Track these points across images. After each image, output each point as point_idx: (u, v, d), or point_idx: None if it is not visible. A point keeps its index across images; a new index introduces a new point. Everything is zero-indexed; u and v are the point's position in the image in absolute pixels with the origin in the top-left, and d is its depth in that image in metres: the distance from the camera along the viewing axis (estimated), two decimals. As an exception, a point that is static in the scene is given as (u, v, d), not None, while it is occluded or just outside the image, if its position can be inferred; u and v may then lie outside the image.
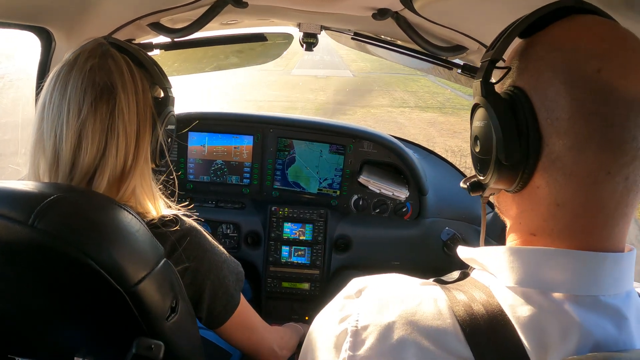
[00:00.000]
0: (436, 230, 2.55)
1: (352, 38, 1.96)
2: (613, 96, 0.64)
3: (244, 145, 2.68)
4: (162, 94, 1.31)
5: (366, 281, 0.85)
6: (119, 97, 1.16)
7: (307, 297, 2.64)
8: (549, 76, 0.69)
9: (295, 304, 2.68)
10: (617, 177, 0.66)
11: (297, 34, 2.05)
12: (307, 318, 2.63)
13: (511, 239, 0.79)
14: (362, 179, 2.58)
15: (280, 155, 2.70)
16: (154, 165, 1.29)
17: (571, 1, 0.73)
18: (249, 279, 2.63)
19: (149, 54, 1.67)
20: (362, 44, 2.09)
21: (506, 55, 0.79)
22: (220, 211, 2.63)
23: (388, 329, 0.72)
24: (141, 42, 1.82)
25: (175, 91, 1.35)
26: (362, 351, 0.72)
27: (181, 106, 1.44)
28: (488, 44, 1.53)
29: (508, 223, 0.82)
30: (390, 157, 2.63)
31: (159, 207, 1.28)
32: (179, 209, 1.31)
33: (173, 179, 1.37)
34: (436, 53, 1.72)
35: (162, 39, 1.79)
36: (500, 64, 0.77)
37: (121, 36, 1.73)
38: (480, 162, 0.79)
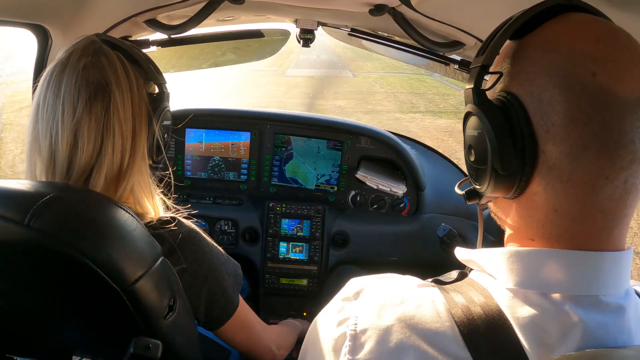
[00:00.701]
0: (433, 226, 2.55)
1: (349, 34, 1.95)
2: (609, 100, 0.63)
3: (241, 142, 2.68)
4: (156, 90, 1.30)
5: (364, 282, 0.84)
6: (113, 94, 1.15)
7: (305, 293, 2.64)
8: (543, 80, 0.67)
9: (294, 299, 2.68)
10: (616, 181, 0.65)
11: (294, 30, 2.05)
12: (305, 314, 2.63)
13: (509, 244, 0.79)
14: (360, 174, 2.58)
15: (277, 152, 2.70)
16: (151, 162, 1.29)
17: None
18: (246, 276, 2.63)
19: (146, 51, 1.67)
20: (359, 40, 2.09)
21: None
22: (217, 207, 2.63)
23: (387, 333, 0.72)
24: (138, 39, 1.82)
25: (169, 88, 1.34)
26: (361, 355, 0.72)
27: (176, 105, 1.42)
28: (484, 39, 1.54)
29: (506, 229, 0.81)
30: (387, 153, 2.63)
31: (157, 206, 1.27)
32: (177, 209, 1.31)
33: (169, 175, 1.36)
34: (433, 49, 1.72)
35: (159, 35, 1.78)
36: (492, 67, 0.75)
37: (118, 33, 1.72)
38: (476, 172, 0.77)
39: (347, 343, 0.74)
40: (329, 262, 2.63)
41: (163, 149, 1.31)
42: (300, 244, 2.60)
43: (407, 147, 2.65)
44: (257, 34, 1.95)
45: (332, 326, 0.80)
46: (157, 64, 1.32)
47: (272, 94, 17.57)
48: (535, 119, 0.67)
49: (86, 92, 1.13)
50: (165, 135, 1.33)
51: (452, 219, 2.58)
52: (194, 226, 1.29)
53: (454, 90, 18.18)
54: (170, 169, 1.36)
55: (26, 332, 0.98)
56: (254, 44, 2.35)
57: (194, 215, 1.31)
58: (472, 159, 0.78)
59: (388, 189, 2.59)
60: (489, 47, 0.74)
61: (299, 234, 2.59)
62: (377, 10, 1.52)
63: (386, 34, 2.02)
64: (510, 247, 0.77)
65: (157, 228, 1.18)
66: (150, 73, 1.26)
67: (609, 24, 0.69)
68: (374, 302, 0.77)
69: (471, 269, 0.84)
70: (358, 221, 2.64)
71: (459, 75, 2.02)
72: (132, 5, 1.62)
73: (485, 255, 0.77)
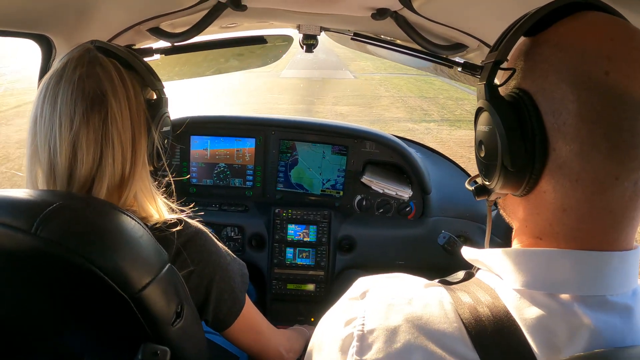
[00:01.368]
0: (440, 229, 2.54)
1: (352, 38, 1.96)
2: (622, 100, 0.62)
3: (246, 148, 2.69)
4: (154, 96, 1.30)
5: (371, 282, 0.85)
6: (110, 105, 1.14)
7: (313, 298, 2.64)
8: (556, 78, 0.66)
9: (301, 305, 2.67)
10: (626, 182, 0.64)
11: (297, 36, 2.06)
12: (312, 319, 2.63)
13: (517, 242, 0.79)
14: (365, 179, 2.58)
15: (282, 157, 2.70)
16: (151, 168, 1.29)
17: None
18: (253, 282, 2.63)
19: (150, 59, 1.67)
20: (362, 44, 2.09)
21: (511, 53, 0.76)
22: (223, 214, 2.63)
23: (394, 333, 0.72)
24: (141, 47, 1.83)
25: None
26: (368, 355, 0.72)
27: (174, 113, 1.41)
28: (488, 41, 1.54)
29: (514, 226, 0.81)
30: (392, 157, 2.63)
31: (161, 209, 1.27)
32: (182, 210, 1.31)
33: (175, 181, 1.36)
34: (436, 52, 1.72)
35: (162, 43, 1.79)
36: (504, 64, 0.75)
37: (121, 42, 1.73)
38: (486, 168, 0.77)
39: (355, 343, 0.74)
40: (336, 267, 2.63)
41: (163, 155, 1.30)
42: (306, 249, 2.59)
43: (412, 151, 2.65)
44: (260, 40, 1.96)
45: (339, 326, 0.79)
46: (161, 72, 1.32)
47: (264, 100, 16.36)
48: (547, 117, 0.67)
49: (82, 104, 1.12)
50: (166, 141, 1.32)
51: (458, 222, 2.58)
52: (200, 226, 1.29)
53: (467, 94, 17.06)
54: (170, 174, 1.35)
55: (34, 340, 0.99)
56: (257, 50, 2.35)
57: (199, 223, 1.31)
58: (482, 154, 0.78)
59: (394, 193, 2.59)
60: (503, 43, 0.73)
61: (305, 239, 2.59)
62: (380, 14, 1.52)
63: (389, 38, 2.02)
64: (516, 247, 0.77)
65: (163, 230, 1.19)
66: (147, 79, 1.25)
67: (625, 23, 0.68)
68: (381, 302, 0.77)
69: (478, 269, 0.83)
70: (364, 226, 2.64)
71: (463, 78, 2.03)
72: (135, 13, 1.63)
73: (491, 255, 0.77)
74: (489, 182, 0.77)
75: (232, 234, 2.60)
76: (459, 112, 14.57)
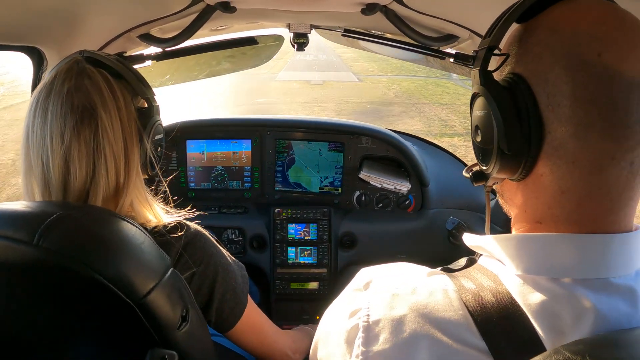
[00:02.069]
0: (440, 221, 2.55)
1: (343, 35, 1.95)
2: (615, 80, 0.63)
3: (242, 150, 2.69)
4: (145, 104, 1.29)
5: (373, 272, 0.85)
6: (100, 117, 1.13)
7: (317, 296, 2.64)
8: (549, 61, 0.67)
9: (306, 304, 2.67)
10: (622, 162, 0.65)
11: (288, 35, 2.05)
12: (318, 317, 2.62)
13: (517, 228, 0.79)
14: (363, 174, 2.58)
15: (279, 157, 2.70)
16: (146, 176, 1.29)
17: None
18: (257, 283, 2.64)
19: (141, 65, 1.67)
20: (354, 40, 2.09)
21: (503, 41, 0.77)
22: (223, 217, 2.63)
23: (400, 323, 0.72)
24: (132, 54, 1.82)
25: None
26: (375, 346, 0.72)
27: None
28: (479, 31, 1.54)
29: (512, 212, 0.81)
30: (389, 151, 2.63)
31: (159, 214, 1.27)
32: (179, 213, 1.31)
33: (173, 186, 1.36)
34: (427, 44, 1.72)
35: (153, 49, 1.79)
36: (497, 50, 0.75)
37: (112, 50, 1.73)
38: (482, 152, 0.78)
39: (360, 335, 0.74)
40: (339, 264, 2.63)
41: (156, 164, 1.30)
42: (308, 247, 2.59)
43: (408, 144, 2.65)
44: (251, 41, 1.95)
45: (343, 318, 0.80)
46: (153, 78, 1.31)
47: (253, 109, 14.88)
48: (541, 99, 0.68)
49: (72, 118, 1.11)
50: (159, 148, 1.32)
51: (458, 212, 2.58)
52: (199, 228, 1.29)
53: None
54: (164, 181, 1.35)
55: (41, 351, 0.98)
56: (248, 51, 2.35)
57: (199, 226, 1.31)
58: (479, 139, 0.78)
59: (392, 187, 2.59)
60: (496, 28, 0.74)
61: (306, 238, 2.59)
62: (369, 9, 1.52)
63: (380, 32, 2.02)
64: (517, 233, 0.77)
65: (163, 235, 1.19)
66: (138, 87, 1.24)
67: (615, 7, 0.69)
68: (385, 292, 0.77)
69: (480, 255, 0.83)
70: (364, 221, 2.64)
71: (458, 70, 2.03)
72: (123, 21, 1.63)
73: (493, 241, 0.77)
74: (485, 166, 0.78)
75: (233, 236, 2.61)
76: (484, 123, 13.27)
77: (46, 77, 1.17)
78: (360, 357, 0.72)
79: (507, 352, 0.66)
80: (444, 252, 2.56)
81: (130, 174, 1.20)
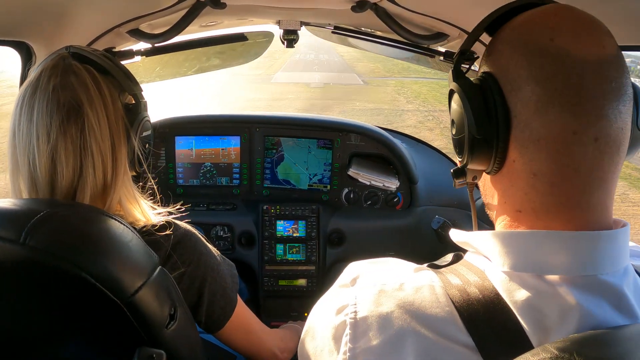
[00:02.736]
0: (429, 219, 2.56)
1: (333, 32, 1.96)
2: (568, 59, 0.67)
3: (231, 146, 2.68)
4: (133, 100, 1.26)
5: (360, 268, 0.86)
6: (86, 115, 1.12)
7: (305, 293, 2.64)
8: (508, 52, 0.73)
9: (294, 301, 2.68)
10: (584, 137, 0.67)
11: (278, 32, 2.05)
12: (306, 314, 2.63)
13: (500, 221, 0.80)
14: (352, 171, 2.59)
15: (268, 154, 2.70)
16: (134, 173, 1.28)
17: None
18: (245, 280, 2.64)
19: (131, 61, 1.66)
20: (344, 37, 2.09)
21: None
22: (212, 213, 2.62)
23: (387, 320, 0.72)
24: (121, 49, 1.81)
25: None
26: (362, 343, 0.72)
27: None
28: (468, 29, 1.54)
29: (495, 209, 0.82)
30: (378, 149, 2.64)
31: (147, 213, 1.26)
32: (168, 212, 1.30)
33: (162, 182, 1.35)
34: (417, 42, 1.72)
35: (143, 45, 1.78)
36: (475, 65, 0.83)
37: (101, 45, 1.72)
38: (458, 144, 0.82)
39: (348, 331, 0.74)
40: (327, 261, 2.64)
41: (144, 161, 1.28)
42: (296, 244, 2.60)
43: (397, 141, 2.66)
44: (240, 38, 1.95)
45: (331, 314, 0.80)
46: (142, 73, 1.30)
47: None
48: (505, 87, 0.73)
49: (58, 116, 1.10)
50: (147, 145, 1.30)
51: (446, 210, 2.59)
52: (189, 227, 1.28)
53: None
54: (151, 177, 1.33)
55: (28, 350, 0.98)
56: (238, 47, 2.34)
57: (188, 224, 1.31)
58: (454, 132, 0.83)
59: (381, 185, 2.60)
60: (468, 35, 0.83)
61: (294, 234, 2.59)
62: (359, 6, 1.52)
63: (370, 30, 2.02)
64: (503, 230, 0.78)
65: (152, 234, 1.18)
66: (125, 83, 1.22)
67: (573, 9, 0.73)
68: (372, 288, 0.78)
69: (466, 251, 0.84)
70: (353, 218, 2.65)
71: (446, 68, 2.03)
72: (113, 16, 1.61)
73: (480, 237, 0.78)
74: (461, 157, 0.82)
75: (222, 233, 2.60)
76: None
77: (32, 73, 1.15)
78: (348, 353, 0.73)
79: (494, 348, 0.66)
80: (433, 250, 2.56)
81: (118, 171, 1.19)
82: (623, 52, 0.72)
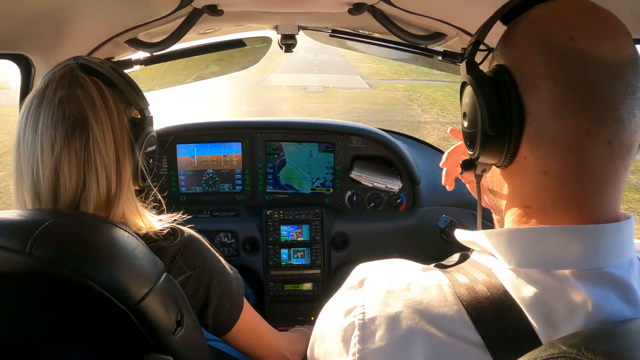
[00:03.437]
0: (432, 219, 2.56)
1: (330, 35, 1.96)
2: (587, 61, 0.66)
3: (233, 153, 2.68)
4: (139, 115, 1.26)
5: (368, 269, 0.86)
6: (91, 128, 1.12)
7: (311, 297, 2.64)
8: (526, 47, 0.72)
9: (300, 305, 2.67)
10: (598, 139, 0.67)
11: (275, 37, 2.05)
12: (313, 318, 2.63)
13: (508, 215, 0.80)
14: (354, 174, 2.59)
15: (270, 159, 2.70)
16: (137, 187, 1.27)
17: None
18: (251, 285, 2.63)
19: (130, 70, 1.66)
20: (342, 40, 2.09)
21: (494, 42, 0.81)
22: (215, 220, 2.62)
23: (395, 320, 0.72)
24: (120, 59, 1.82)
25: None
26: (371, 344, 0.72)
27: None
28: (466, 28, 1.55)
29: (502, 203, 0.82)
30: (379, 150, 2.64)
31: (151, 222, 1.26)
32: (173, 218, 1.30)
33: (162, 191, 1.35)
34: (415, 42, 1.72)
35: (142, 54, 1.78)
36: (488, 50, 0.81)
37: (100, 55, 1.72)
38: (469, 137, 0.81)
39: (357, 332, 0.74)
40: (332, 265, 2.63)
41: (148, 176, 1.28)
42: (301, 249, 2.59)
43: (398, 143, 2.66)
44: (239, 44, 1.95)
45: (339, 316, 0.80)
46: (142, 82, 1.30)
47: None
48: (521, 84, 0.72)
49: (63, 128, 1.10)
50: (151, 160, 1.30)
51: (449, 210, 2.59)
52: (192, 232, 1.29)
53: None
54: (154, 187, 1.34)
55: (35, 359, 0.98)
56: (236, 53, 2.35)
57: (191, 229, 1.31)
58: (466, 125, 0.82)
59: (384, 186, 2.59)
60: (481, 26, 0.81)
61: (299, 239, 2.59)
62: (356, 9, 1.52)
63: (368, 32, 2.02)
64: (509, 227, 0.78)
65: (156, 240, 1.18)
66: (131, 97, 1.21)
67: (593, 4, 0.72)
68: (379, 289, 0.78)
69: (473, 251, 0.84)
70: (357, 221, 2.65)
71: (446, 68, 2.03)
72: (110, 27, 1.62)
73: (485, 236, 0.78)
74: (472, 151, 0.81)
75: (226, 239, 2.60)
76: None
77: (39, 83, 1.15)
78: (357, 355, 0.73)
79: (502, 345, 0.66)
80: (437, 250, 2.56)
81: (122, 185, 1.19)
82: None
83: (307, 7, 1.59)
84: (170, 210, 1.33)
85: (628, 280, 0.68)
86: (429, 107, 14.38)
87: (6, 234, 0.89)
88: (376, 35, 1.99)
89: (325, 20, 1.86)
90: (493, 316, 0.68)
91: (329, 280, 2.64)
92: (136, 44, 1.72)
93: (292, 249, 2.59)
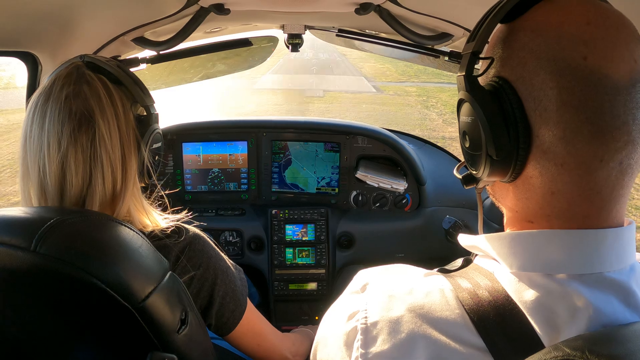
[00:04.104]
0: (437, 219, 2.55)
1: (337, 35, 1.96)
2: (601, 83, 0.63)
3: (238, 152, 2.69)
4: (144, 112, 1.28)
5: (371, 274, 0.85)
6: (98, 124, 1.13)
7: (315, 296, 2.64)
8: (534, 65, 0.67)
9: (304, 304, 2.68)
10: (611, 162, 0.65)
11: (282, 36, 2.06)
12: (317, 318, 2.63)
13: (510, 228, 0.79)
14: (360, 174, 2.58)
15: (275, 158, 2.70)
16: (143, 184, 1.28)
17: None
18: (255, 284, 2.64)
19: (136, 68, 1.67)
20: (349, 40, 2.09)
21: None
22: (221, 219, 2.63)
23: (397, 324, 0.72)
24: (127, 57, 1.82)
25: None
26: (373, 348, 0.72)
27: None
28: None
29: (505, 212, 0.81)
30: (385, 150, 2.63)
31: (156, 220, 1.27)
32: (176, 217, 1.31)
33: (169, 192, 1.36)
34: (422, 42, 1.72)
35: (148, 52, 1.78)
36: (483, 53, 0.75)
37: (107, 53, 1.73)
38: (471, 157, 0.78)
39: (359, 337, 0.74)
40: (337, 264, 2.63)
41: (153, 173, 1.29)
42: (306, 248, 2.59)
43: (404, 143, 2.66)
44: (245, 43, 1.95)
45: (342, 320, 0.80)
46: (148, 80, 1.30)
47: None
48: (528, 104, 0.68)
49: (70, 124, 1.11)
50: (157, 157, 1.31)
51: (455, 210, 2.58)
52: (197, 231, 1.29)
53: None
54: (162, 189, 1.34)
55: (40, 358, 0.98)
56: (243, 52, 2.35)
57: (197, 226, 1.31)
58: (467, 145, 0.78)
59: (389, 186, 2.59)
60: (479, 33, 0.74)
61: (304, 238, 2.59)
62: (363, 8, 1.52)
63: (374, 32, 2.02)
64: (511, 231, 0.77)
65: (161, 238, 1.19)
66: (137, 95, 1.23)
67: (600, 4, 0.68)
68: (382, 294, 0.78)
69: (476, 255, 0.84)
70: (362, 221, 2.65)
71: (453, 68, 2.03)
72: (117, 25, 1.62)
73: (487, 240, 0.77)
74: (475, 171, 0.78)
75: (231, 238, 2.60)
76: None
77: (45, 81, 1.16)
78: (360, 359, 0.72)
79: (505, 349, 0.66)
80: (442, 251, 2.56)
81: (128, 182, 1.20)
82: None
83: (313, 6, 1.59)
84: (175, 209, 1.33)
85: (629, 285, 0.68)
86: (450, 116, 12.51)
87: (12, 232, 0.89)
88: (382, 35, 1.99)
89: (332, 19, 1.86)
90: (495, 320, 0.68)
91: (334, 279, 2.64)
92: (143, 42, 1.73)
93: (297, 249, 2.59)
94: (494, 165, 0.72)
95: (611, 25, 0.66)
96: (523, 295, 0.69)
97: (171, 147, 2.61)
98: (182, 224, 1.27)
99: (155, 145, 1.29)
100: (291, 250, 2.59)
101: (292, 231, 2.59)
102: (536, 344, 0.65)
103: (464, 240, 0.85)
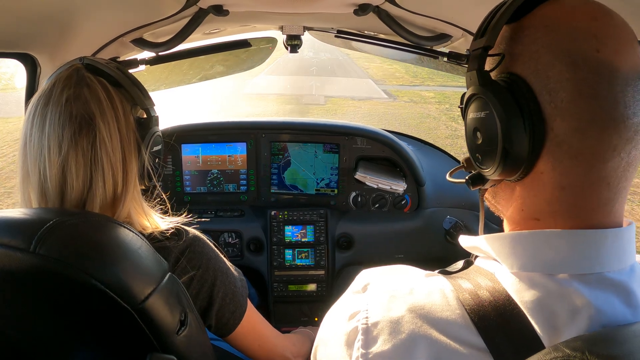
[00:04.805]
0: (437, 220, 2.55)
1: (336, 36, 1.96)
2: (613, 74, 0.65)
3: (237, 153, 2.68)
4: (145, 115, 1.27)
5: (372, 275, 0.85)
6: (98, 127, 1.13)
7: (315, 298, 2.64)
8: (549, 59, 0.68)
9: (304, 306, 2.68)
10: (622, 152, 0.66)
11: (281, 37, 2.06)
12: (317, 319, 2.63)
13: (512, 227, 0.79)
14: (359, 175, 2.58)
15: (275, 160, 2.70)
16: (143, 187, 1.28)
17: None
18: (255, 286, 2.64)
19: (135, 70, 1.67)
20: (347, 41, 2.10)
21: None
22: (220, 220, 2.63)
23: (398, 324, 0.72)
24: (126, 59, 1.82)
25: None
26: (374, 348, 0.72)
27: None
28: (472, 30, 1.55)
29: (506, 212, 0.81)
30: (384, 151, 2.63)
31: (156, 221, 1.27)
32: (176, 219, 1.31)
33: (167, 190, 1.36)
34: (420, 43, 1.72)
35: (147, 54, 1.78)
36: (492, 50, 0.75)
37: (106, 55, 1.72)
38: (483, 154, 0.77)
39: (360, 337, 0.74)
40: (336, 265, 2.63)
41: (154, 175, 1.29)
42: (305, 249, 2.59)
43: (403, 144, 2.66)
44: (244, 44, 1.96)
45: (343, 320, 0.80)
46: (147, 82, 1.30)
47: None
48: (542, 97, 0.68)
49: (70, 128, 1.11)
50: (157, 160, 1.31)
51: (454, 211, 2.59)
52: (197, 232, 1.29)
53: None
54: (159, 187, 1.34)
55: (40, 359, 0.98)
56: (241, 54, 2.36)
57: (196, 230, 1.31)
58: (480, 141, 0.77)
59: (388, 187, 2.59)
60: (489, 28, 0.74)
61: (303, 239, 2.59)
62: (362, 9, 1.52)
63: (373, 33, 2.02)
64: (511, 231, 0.77)
65: (160, 240, 1.19)
66: (137, 97, 1.23)
67: (602, 4, 0.70)
68: (383, 294, 0.78)
69: (476, 257, 0.84)
70: (361, 222, 2.64)
71: (451, 69, 2.03)
72: (117, 26, 1.62)
73: (488, 241, 0.77)
74: (487, 168, 0.77)
75: (230, 239, 2.60)
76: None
77: (45, 83, 1.16)
78: (360, 359, 0.72)
79: (505, 349, 0.66)
80: (442, 252, 2.56)
81: (128, 185, 1.20)
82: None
83: (312, 7, 1.59)
84: (174, 210, 1.33)
85: (630, 285, 0.68)
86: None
87: (11, 232, 0.89)
88: (381, 36, 1.99)
89: (331, 20, 1.86)
90: (496, 320, 0.68)
91: (333, 281, 2.64)
92: (141, 43, 1.73)
93: (296, 250, 2.59)
94: (508, 160, 0.72)
95: (616, 23, 0.68)
96: (524, 295, 0.69)
97: (170, 149, 2.61)
98: (182, 226, 1.27)
99: (155, 148, 1.29)
100: (290, 251, 2.59)
101: (292, 232, 2.59)
102: (536, 345, 0.65)
103: (465, 241, 0.85)
